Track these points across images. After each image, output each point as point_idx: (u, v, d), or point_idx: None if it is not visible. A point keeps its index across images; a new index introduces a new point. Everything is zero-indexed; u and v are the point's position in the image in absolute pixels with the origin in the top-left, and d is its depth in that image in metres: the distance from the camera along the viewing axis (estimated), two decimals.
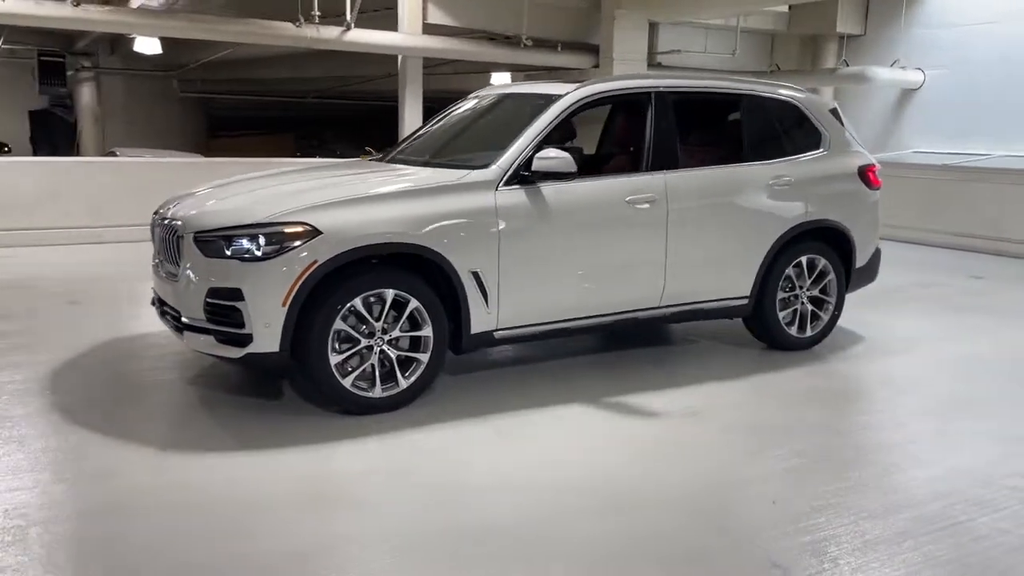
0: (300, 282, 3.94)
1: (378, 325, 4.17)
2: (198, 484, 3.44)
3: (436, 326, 4.31)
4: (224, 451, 3.79)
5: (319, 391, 4.22)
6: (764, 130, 5.51)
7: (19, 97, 23.75)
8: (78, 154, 20.94)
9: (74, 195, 9.01)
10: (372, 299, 4.15)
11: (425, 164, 4.87)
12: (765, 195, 5.31)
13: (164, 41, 17.76)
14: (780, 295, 5.47)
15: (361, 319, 4.13)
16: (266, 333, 3.95)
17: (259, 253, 3.94)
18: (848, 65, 13.67)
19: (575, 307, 4.78)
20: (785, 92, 5.67)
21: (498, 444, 3.99)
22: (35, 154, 20.39)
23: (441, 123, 5.59)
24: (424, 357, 4.31)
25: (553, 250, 4.62)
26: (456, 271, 4.30)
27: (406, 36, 11.50)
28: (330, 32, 10.90)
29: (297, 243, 3.95)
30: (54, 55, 20.61)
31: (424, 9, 11.79)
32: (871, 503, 3.43)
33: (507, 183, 4.49)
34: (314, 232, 3.97)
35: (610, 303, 4.89)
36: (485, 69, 14.77)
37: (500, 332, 4.56)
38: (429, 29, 11.92)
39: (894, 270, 9.32)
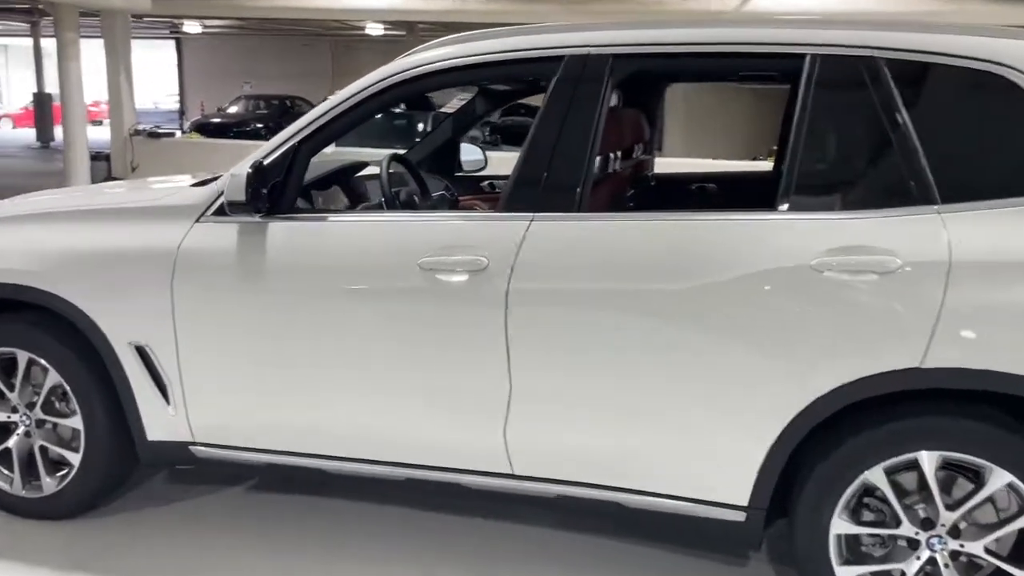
0: None
1: (13, 396, 2.96)
2: None
3: (87, 416, 2.87)
4: None
5: None
6: (860, 137, 2.30)
7: None
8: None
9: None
10: (8, 361, 2.97)
11: None
12: (801, 294, 2.21)
13: None
14: (845, 526, 2.29)
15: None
16: None
17: None
18: None
19: (332, 438, 2.70)
20: (971, 45, 2.24)
21: None
22: None
23: None
24: (75, 458, 2.92)
25: (277, 334, 2.65)
26: (107, 340, 2.78)
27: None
28: (726, 4, 8.86)
29: None
30: None
31: None
32: None
33: (220, 212, 2.72)
34: None
35: (394, 445, 2.65)
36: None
37: (202, 449, 2.83)
38: None
39: None
